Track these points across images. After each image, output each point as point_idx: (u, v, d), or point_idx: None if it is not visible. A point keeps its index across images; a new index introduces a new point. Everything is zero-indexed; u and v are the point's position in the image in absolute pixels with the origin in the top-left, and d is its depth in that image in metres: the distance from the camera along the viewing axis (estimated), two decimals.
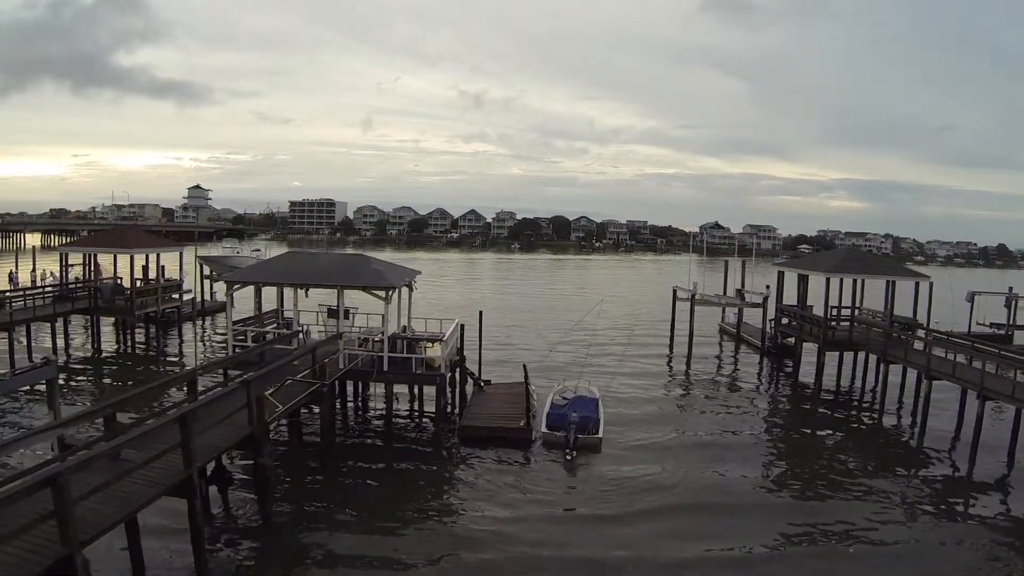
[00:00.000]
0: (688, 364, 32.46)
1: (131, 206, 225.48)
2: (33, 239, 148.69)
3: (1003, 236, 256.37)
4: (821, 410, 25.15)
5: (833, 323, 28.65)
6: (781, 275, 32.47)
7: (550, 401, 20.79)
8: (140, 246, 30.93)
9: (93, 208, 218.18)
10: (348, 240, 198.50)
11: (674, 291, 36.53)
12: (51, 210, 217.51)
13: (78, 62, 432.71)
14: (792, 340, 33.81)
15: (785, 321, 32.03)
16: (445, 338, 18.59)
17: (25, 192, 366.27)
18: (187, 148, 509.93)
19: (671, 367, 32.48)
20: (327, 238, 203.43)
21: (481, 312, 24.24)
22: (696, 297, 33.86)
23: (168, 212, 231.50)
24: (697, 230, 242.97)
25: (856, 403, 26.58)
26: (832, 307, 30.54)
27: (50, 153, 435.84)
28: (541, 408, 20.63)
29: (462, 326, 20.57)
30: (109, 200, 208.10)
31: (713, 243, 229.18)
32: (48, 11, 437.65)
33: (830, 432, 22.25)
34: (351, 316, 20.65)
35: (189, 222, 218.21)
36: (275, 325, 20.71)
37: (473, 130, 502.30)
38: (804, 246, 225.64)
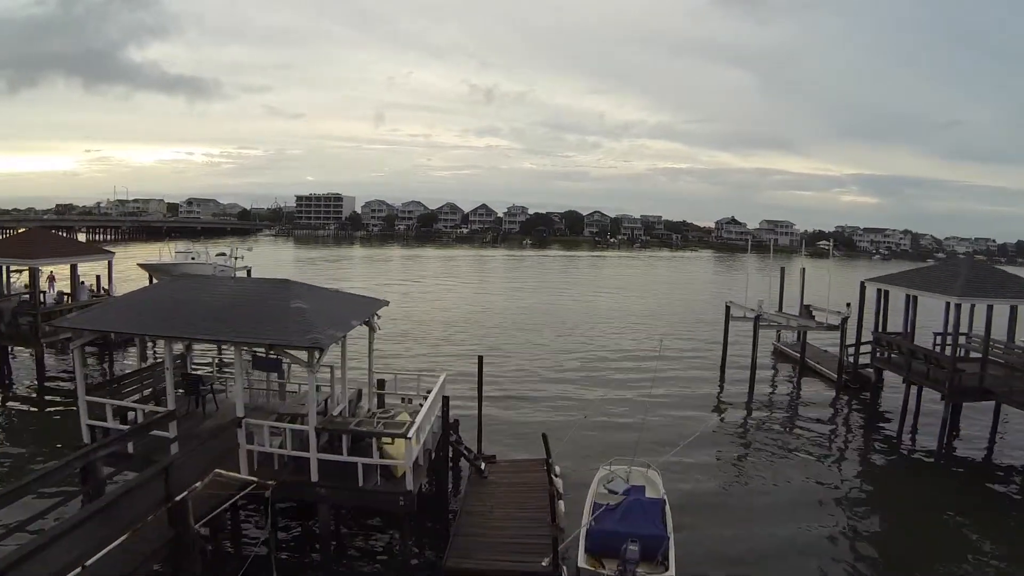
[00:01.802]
0: (749, 404, 25.36)
1: (135, 201, 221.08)
2: None
3: (1017, 232, 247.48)
4: (965, 485, 18.03)
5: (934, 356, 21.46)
6: (877, 292, 25.15)
7: (591, 502, 13.59)
8: (47, 255, 24.10)
9: (98, 203, 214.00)
10: (356, 235, 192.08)
11: (727, 308, 29.26)
12: (57, 205, 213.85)
13: (89, 57, 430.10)
14: (873, 372, 27.03)
15: (880, 354, 24.71)
16: (414, 429, 11.09)
17: (36, 188, 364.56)
18: (198, 143, 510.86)
19: (722, 403, 25.47)
20: (334, 233, 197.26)
21: (481, 359, 17.07)
22: (761, 318, 26.36)
23: (173, 207, 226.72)
24: (713, 225, 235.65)
25: (992, 469, 19.35)
26: (936, 333, 23.75)
27: (62, 148, 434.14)
28: (574, 513, 13.58)
29: (445, 399, 13.41)
30: (112, 195, 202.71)
31: (730, 239, 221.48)
32: (59, 7, 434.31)
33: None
34: (285, 370, 13.70)
35: (193, 218, 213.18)
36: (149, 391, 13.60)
37: (484, 124, 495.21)
38: (823, 242, 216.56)
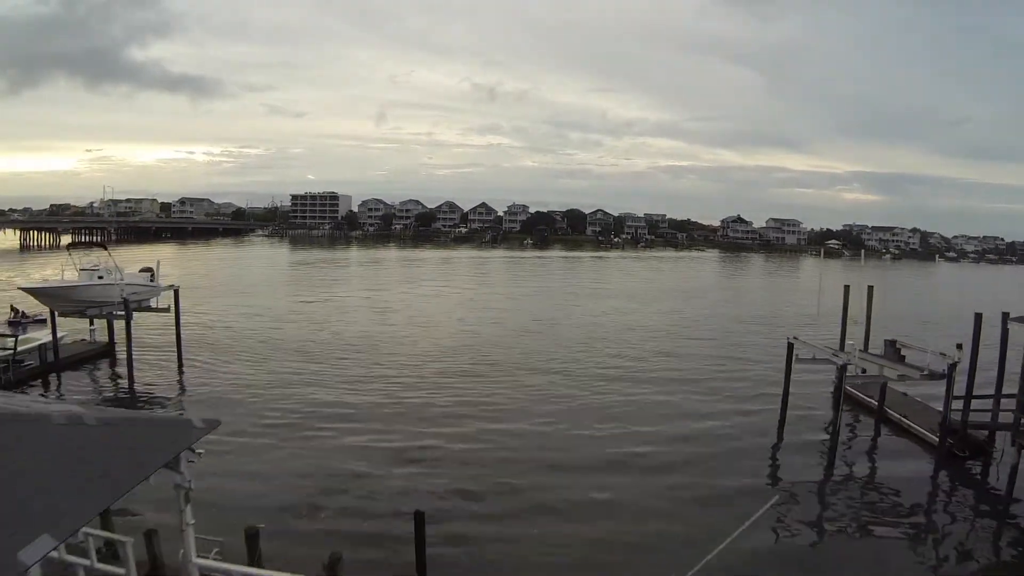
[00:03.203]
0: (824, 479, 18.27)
1: (127, 201, 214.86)
2: (11, 238, 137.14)
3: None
4: None
5: None
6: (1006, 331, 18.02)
7: None
8: None
9: (91, 203, 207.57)
10: (352, 235, 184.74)
11: (790, 347, 22.05)
12: (51, 205, 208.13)
13: (91, 57, 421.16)
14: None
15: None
16: None
17: (37, 187, 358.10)
18: (200, 142, 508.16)
19: (784, 517, 18.32)
20: (329, 233, 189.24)
21: (421, 516, 9.54)
22: (849, 370, 18.97)
23: (166, 207, 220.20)
24: (718, 224, 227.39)
25: None
26: None
27: (63, 148, 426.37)
28: None
29: None
30: (103, 195, 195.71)
31: (736, 237, 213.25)
32: (61, 7, 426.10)
33: None
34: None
35: (185, 218, 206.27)
36: None
37: (487, 122, 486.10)
38: (832, 241, 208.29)
